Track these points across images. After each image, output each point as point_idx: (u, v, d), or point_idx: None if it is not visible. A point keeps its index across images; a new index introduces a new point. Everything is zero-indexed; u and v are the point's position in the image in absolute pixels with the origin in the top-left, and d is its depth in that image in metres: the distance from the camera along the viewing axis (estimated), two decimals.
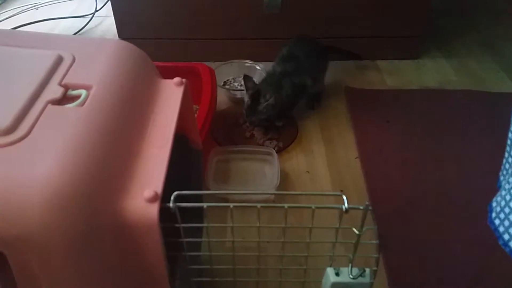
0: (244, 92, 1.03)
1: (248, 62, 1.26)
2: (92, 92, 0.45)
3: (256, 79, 1.21)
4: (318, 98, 1.17)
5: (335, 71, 1.26)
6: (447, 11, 1.64)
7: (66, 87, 0.45)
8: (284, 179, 0.95)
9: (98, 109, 0.43)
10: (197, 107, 0.94)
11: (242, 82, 1.22)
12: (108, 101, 0.44)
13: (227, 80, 1.23)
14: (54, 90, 0.44)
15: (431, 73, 1.31)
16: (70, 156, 0.38)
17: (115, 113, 0.44)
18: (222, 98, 1.15)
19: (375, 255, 0.48)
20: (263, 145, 1.03)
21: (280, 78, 1.03)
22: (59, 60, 0.48)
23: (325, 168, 0.98)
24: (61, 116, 0.41)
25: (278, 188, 0.90)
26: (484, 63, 1.35)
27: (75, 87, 0.45)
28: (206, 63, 1.07)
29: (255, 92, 0.99)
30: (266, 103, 0.98)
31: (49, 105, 0.42)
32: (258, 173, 0.97)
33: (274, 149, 0.99)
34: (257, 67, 1.24)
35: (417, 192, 0.91)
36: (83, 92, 0.44)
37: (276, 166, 0.93)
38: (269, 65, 1.13)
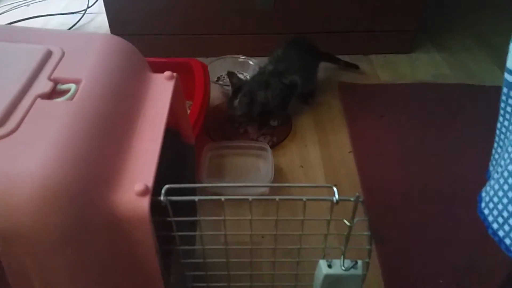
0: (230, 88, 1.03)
1: (241, 57, 1.26)
2: (81, 86, 0.44)
3: (249, 74, 1.22)
4: (312, 93, 1.17)
5: (329, 66, 1.26)
6: (440, 4, 1.64)
7: (56, 81, 0.44)
8: (278, 174, 0.95)
9: (88, 103, 0.43)
10: (190, 103, 0.93)
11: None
12: (98, 95, 0.44)
13: (221, 75, 1.23)
14: (43, 84, 0.44)
15: (424, 67, 1.31)
16: (59, 150, 0.38)
17: (104, 107, 0.44)
18: (215, 94, 1.15)
19: (367, 247, 0.48)
20: (257, 140, 1.02)
21: (269, 77, 1.03)
22: (48, 55, 0.47)
23: (319, 163, 0.99)
24: (50, 110, 0.41)
25: (272, 183, 0.90)
26: (478, 56, 1.36)
27: (65, 81, 0.45)
28: (199, 59, 1.07)
29: (237, 88, 1.00)
30: (238, 99, 0.98)
31: (38, 99, 0.42)
32: (252, 168, 0.97)
33: (268, 144, 0.99)
34: (250, 62, 1.24)
35: (411, 186, 0.92)
36: (72, 86, 0.44)
37: (270, 161, 0.93)
38: (262, 60, 1.13)
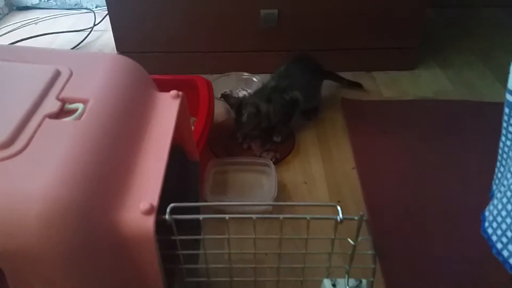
0: (230, 109, 1.03)
1: (245, 74, 1.27)
2: (89, 105, 0.45)
3: (253, 91, 1.23)
4: (315, 110, 1.18)
5: (332, 83, 1.27)
6: (443, 22, 1.66)
7: (64, 101, 0.45)
8: (282, 190, 0.95)
9: (95, 122, 0.44)
10: (195, 119, 0.94)
11: (240, 95, 1.23)
12: (105, 114, 0.45)
13: (225, 92, 1.24)
14: (51, 104, 0.44)
15: (427, 83, 1.32)
16: (67, 170, 0.38)
17: (111, 126, 0.45)
18: (219, 110, 1.16)
19: (372, 266, 0.48)
20: (261, 157, 1.03)
21: (270, 92, 1.04)
22: (57, 75, 0.48)
23: (322, 179, 0.99)
24: (58, 129, 0.42)
25: (276, 199, 0.90)
26: (480, 73, 1.37)
27: (72, 101, 0.46)
28: (204, 76, 1.08)
29: (239, 105, 1.00)
30: (246, 113, 0.99)
31: (47, 119, 0.43)
32: (256, 185, 0.97)
33: (271, 160, 1.00)
34: (254, 79, 1.26)
35: (415, 202, 0.91)
36: (80, 106, 0.44)
37: (273, 178, 0.93)
38: (266, 77, 1.14)
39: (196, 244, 0.60)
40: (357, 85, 1.27)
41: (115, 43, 1.30)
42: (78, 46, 1.51)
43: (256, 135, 1.05)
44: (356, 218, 0.44)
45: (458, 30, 1.61)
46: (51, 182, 0.37)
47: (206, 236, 0.48)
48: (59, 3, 1.81)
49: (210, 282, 0.53)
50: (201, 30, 1.27)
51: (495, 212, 0.41)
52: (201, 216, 0.46)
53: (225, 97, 1.06)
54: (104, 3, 1.25)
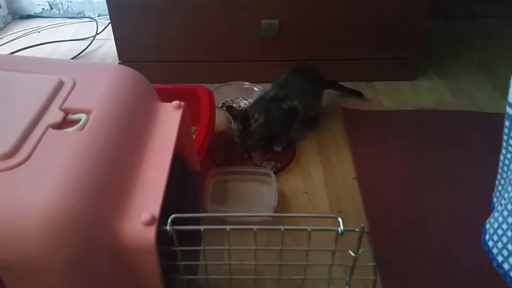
0: (232, 121, 1.03)
1: (247, 84, 1.28)
2: (92, 116, 0.45)
3: (253, 100, 1.23)
4: (316, 119, 1.18)
5: (332, 93, 1.28)
6: (442, 33, 1.67)
7: (66, 112, 0.46)
8: (282, 200, 0.95)
9: (98, 133, 0.44)
10: (196, 128, 0.95)
11: (241, 104, 1.24)
12: (108, 125, 0.45)
13: (226, 101, 1.25)
14: (54, 115, 0.45)
15: (427, 94, 1.33)
16: (69, 180, 0.39)
17: (114, 137, 0.45)
18: (220, 119, 1.16)
19: (372, 278, 0.48)
20: (261, 166, 1.03)
21: (269, 102, 1.04)
22: (60, 85, 0.49)
23: (322, 189, 0.99)
24: (61, 140, 0.42)
25: (276, 209, 0.89)
26: (480, 83, 1.37)
27: (75, 111, 0.46)
28: (205, 85, 1.08)
29: (243, 116, 1.00)
30: (256, 122, 0.99)
31: (50, 129, 0.43)
32: (256, 194, 0.97)
33: (272, 169, 1.00)
34: (255, 89, 1.26)
35: (415, 213, 0.91)
36: (83, 116, 0.45)
37: (274, 187, 0.93)
38: (267, 86, 1.14)
39: (195, 254, 0.60)
40: (358, 94, 1.28)
41: (117, 52, 1.31)
42: (80, 55, 1.52)
43: (261, 145, 1.04)
44: (357, 230, 0.44)
45: (457, 41, 1.62)
46: (53, 192, 0.37)
47: (206, 247, 0.48)
48: (61, 12, 1.83)
49: None
50: (203, 40, 1.28)
51: (495, 225, 0.41)
52: (202, 227, 0.46)
53: (228, 108, 1.06)
54: (107, 12, 1.26)
